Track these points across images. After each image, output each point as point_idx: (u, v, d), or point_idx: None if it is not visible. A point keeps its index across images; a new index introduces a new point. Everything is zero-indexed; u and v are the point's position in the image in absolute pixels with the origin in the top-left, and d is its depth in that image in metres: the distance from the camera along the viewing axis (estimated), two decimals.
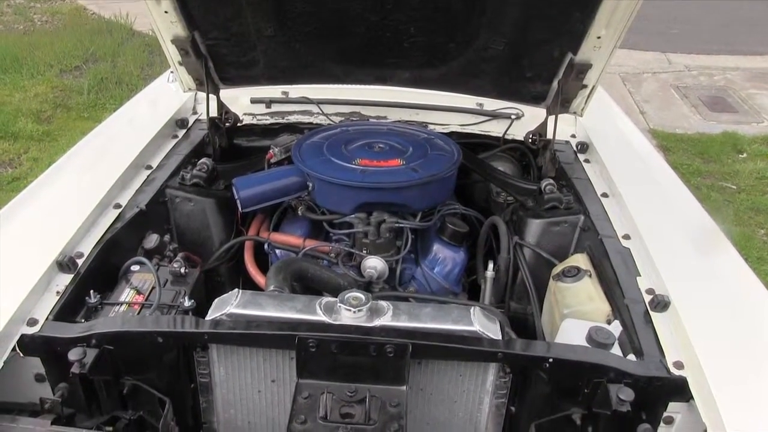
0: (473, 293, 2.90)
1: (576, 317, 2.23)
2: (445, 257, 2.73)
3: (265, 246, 2.76)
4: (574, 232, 2.71)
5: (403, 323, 1.97)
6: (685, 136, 7.13)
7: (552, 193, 2.77)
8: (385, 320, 1.97)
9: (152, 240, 2.52)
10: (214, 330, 1.95)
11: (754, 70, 9.19)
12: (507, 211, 2.98)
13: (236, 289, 2.08)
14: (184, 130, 3.22)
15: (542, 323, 2.54)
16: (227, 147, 3.26)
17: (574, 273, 2.37)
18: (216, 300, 2.08)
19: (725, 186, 6.11)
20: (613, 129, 3.39)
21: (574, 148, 3.20)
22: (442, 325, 1.99)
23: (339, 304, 1.97)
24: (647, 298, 2.16)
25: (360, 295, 2.00)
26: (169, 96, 3.38)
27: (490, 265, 2.71)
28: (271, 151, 3.00)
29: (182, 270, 2.36)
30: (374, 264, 2.60)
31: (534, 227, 2.74)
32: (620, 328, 2.12)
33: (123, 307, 2.20)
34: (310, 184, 2.71)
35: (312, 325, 1.94)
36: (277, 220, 2.93)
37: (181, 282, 2.36)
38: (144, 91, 3.71)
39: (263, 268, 2.74)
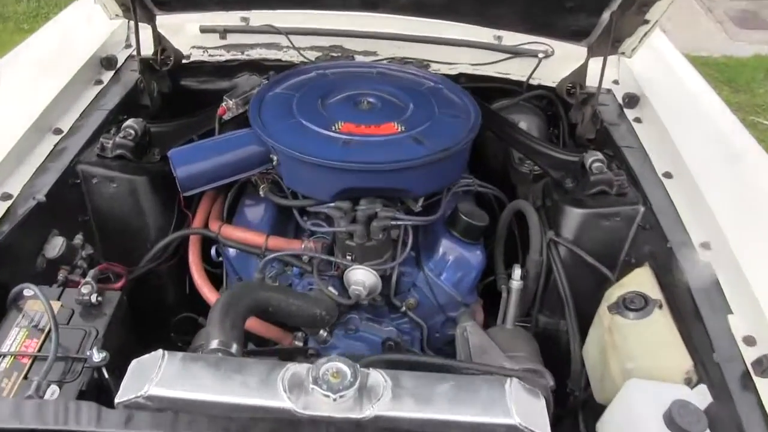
0: (489, 299, 2.25)
1: (643, 374, 1.59)
2: (456, 259, 2.06)
3: (212, 251, 2.06)
4: (629, 229, 2.04)
5: (409, 412, 1.33)
6: (711, 60, 6.25)
7: (601, 173, 2.07)
8: (382, 407, 1.33)
9: (56, 245, 1.83)
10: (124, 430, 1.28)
11: None
12: (535, 190, 2.28)
13: (159, 351, 1.41)
14: (112, 73, 2.44)
15: (586, 356, 1.90)
16: (170, 92, 2.51)
17: (641, 305, 1.71)
18: (132, 364, 1.41)
19: (756, 121, 5.37)
20: (669, 75, 2.63)
21: (619, 101, 2.48)
22: (465, 414, 1.34)
23: (312, 387, 1.31)
24: (747, 352, 1.52)
25: (343, 366, 1.35)
26: (92, 24, 2.56)
27: (517, 271, 2.04)
28: (223, 104, 2.25)
29: (94, 298, 1.67)
30: (362, 278, 1.92)
31: (574, 219, 2.06)
32: (709, 399, 1.49)
33: (7, 361, 1.53)
34: (275, 158, 1.99)
35: (272, 420, 1.29)
36: (232, 199, 2.22)
37: (94, 314, 1.68)
38: (59, 18, 2.83)
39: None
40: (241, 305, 1.59)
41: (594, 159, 2.10)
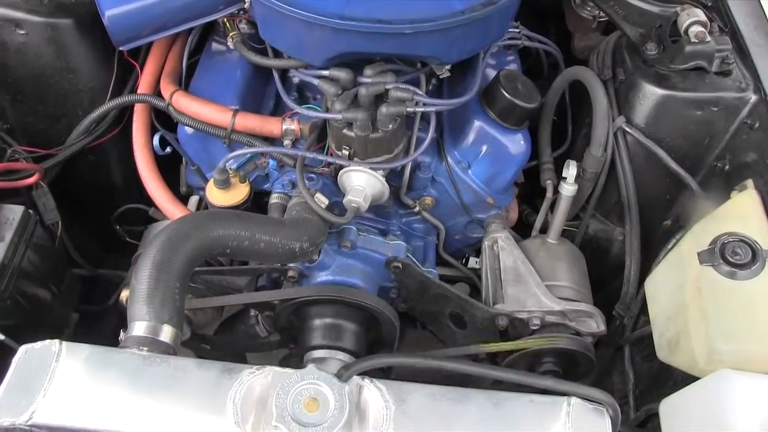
0: (526, 192, 1.77)
1: (742, 362, 1.16)
2: (491, 148, 1.53)
3: (155, 139, 1.51)
4: (728, 124, 1.49)
5: None
6: None
7: (702, 42, 1.48)
8: None
9: None
10: None
11: None
12: (603, 52, 1.68)
13: (54, 342, 0.96)
14: None
15: (651, 295, 1.45)
16: None
17: (746, 258, 1.22)
18: (18, 356, 0.97)
19: None
20: None
21: None
22: None
23: (276, 425, 0.88)
24: None
25: (324, 388, 0.91)
26: None
27: (572, 170, 1.53)
28: None
29: None
30: (361, 184, 1.41)
31: (654, 102, 1.52)
32: None
33: None
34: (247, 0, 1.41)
35: None
36: (195, 46, 1.65)
37: None
38: None
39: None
40: (176, 263, 1.08)
41: (693, 20, 1.50)
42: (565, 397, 0.98)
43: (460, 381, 1.43)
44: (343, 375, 0.94)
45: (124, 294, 1.46)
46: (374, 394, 0.95)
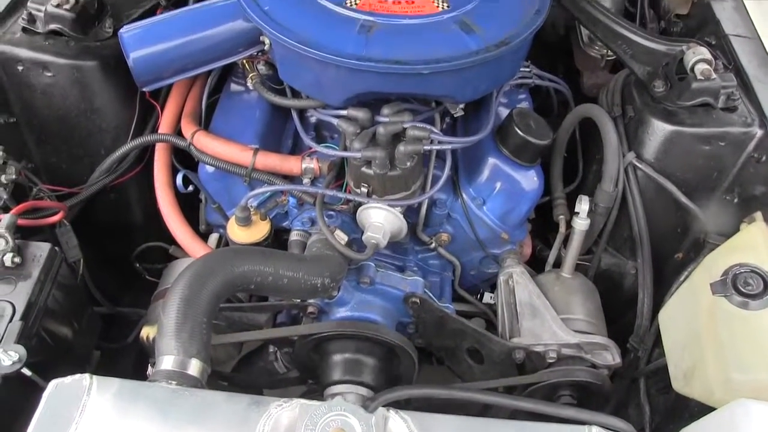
0: (539, 218, 1.80)
1: (758, 392, 1.17)
2: (505, 185, 1.56)
3: (178, 178, 1.55)
4: (735, 157, 1.53)
5: None
6: None
7: (707, 79, 1.52)
8: None
9: None
10: None
11: None
12: (612, 90, 1.72)
13: (85, 377, 0.98)
14: None
15: (665, 327, 1.47)
16: None
17: (758, 288, 1.24)
18: (49, 391, 0.99)
19: None
20: None
21: None
22: None
23: None
24: None
25: (351, 420, 0.93)
26: None
27: (584, 206, 1.55)
28: None
29: (8, 259, 1.21)
30: (380, 221, 1.44)
31: (663, 137, 1.55)
32: None
33: None
34: (266, 42, 1.45)
35: None
36: (215, 86, 1.69)
37: (12, 280, 1.24)
38: None
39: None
40: (203, 298, 1.11)
41: (699, 58, 1.54)
42: (586, 426, 1.00)
43: (478, 413, 1.45)
44: (369, 406, 0.96)
45: (145, 331, 1.48)
46: (399, 424, 0.96)
